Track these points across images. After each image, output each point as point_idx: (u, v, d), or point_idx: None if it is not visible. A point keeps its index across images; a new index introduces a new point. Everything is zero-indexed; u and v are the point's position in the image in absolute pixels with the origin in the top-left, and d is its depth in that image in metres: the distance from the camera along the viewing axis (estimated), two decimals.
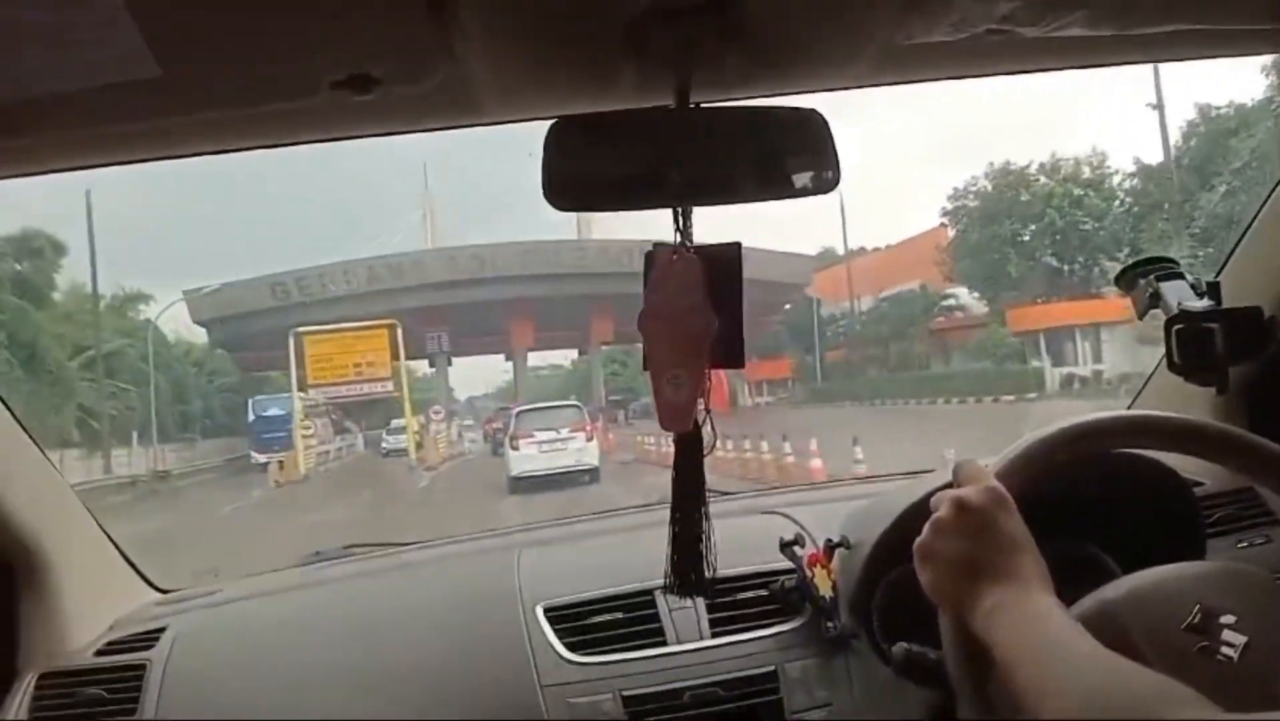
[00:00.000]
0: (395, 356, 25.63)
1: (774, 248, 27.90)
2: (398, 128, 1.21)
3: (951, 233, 28.97)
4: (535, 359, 39.63)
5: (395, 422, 26.48)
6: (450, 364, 33.53)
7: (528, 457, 16.02)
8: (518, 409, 19.22)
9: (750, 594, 1.52)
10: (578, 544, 1.90)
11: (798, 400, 32.40)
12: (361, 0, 0.86)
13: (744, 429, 15.79)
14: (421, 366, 34.40)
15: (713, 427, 1.08)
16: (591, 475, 15.89)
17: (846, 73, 1.14)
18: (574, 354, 39.96)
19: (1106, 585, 1.02)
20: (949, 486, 1.01)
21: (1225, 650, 0.90)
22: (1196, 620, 0.92)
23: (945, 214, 28.87)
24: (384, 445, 26.71)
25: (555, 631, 1.49)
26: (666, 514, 1.85)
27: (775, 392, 34.09)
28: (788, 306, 33.31)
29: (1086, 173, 25.84)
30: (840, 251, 34.79)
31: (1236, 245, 1.57)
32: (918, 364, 29.87)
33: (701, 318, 1.02)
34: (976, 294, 28.75)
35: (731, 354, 1.05)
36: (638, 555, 1.59)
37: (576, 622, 1.50)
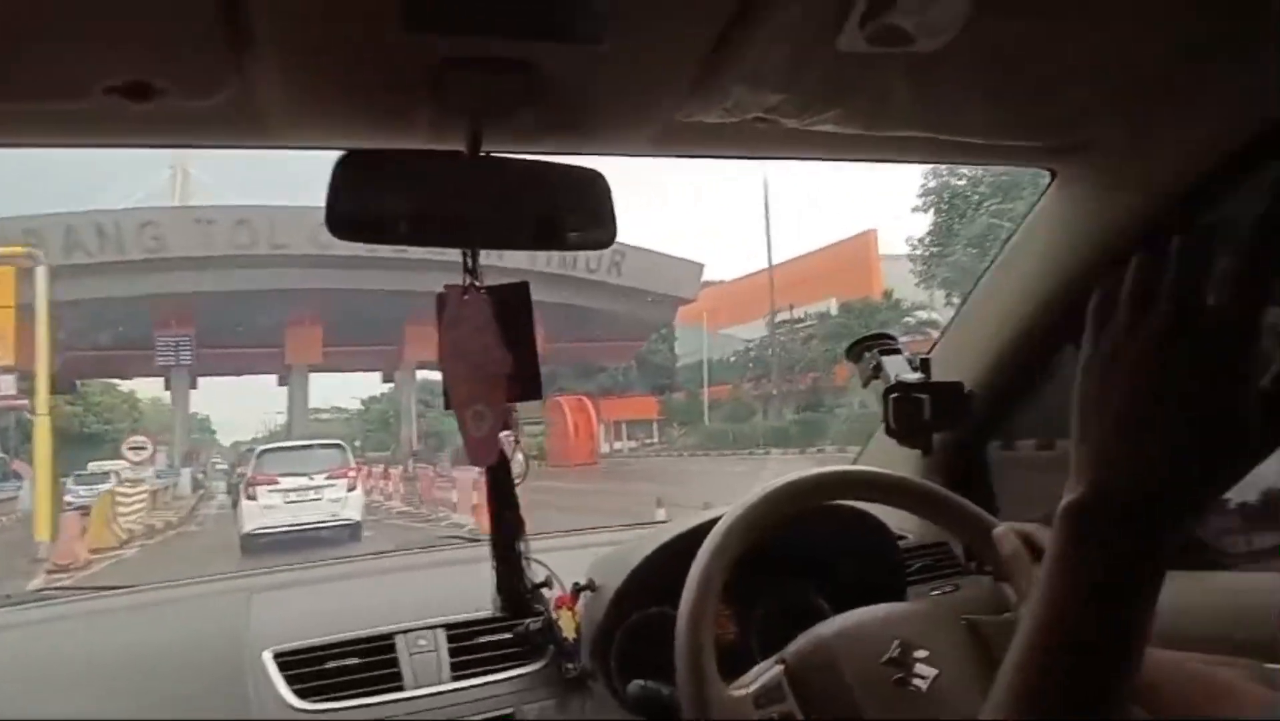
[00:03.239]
0: (18, 328, 13.46)
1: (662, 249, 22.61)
2: (174, 141, 1.14)
3: (928, 220, 21.68)
4: (320, 392, 29.35)
5: (94, 466, 17.53)
6: (195, 385, 24.16)
7: (267, 510, 12.96)
8: (261, 448, 15.63)
9: (495, 636, 1.52)
10: (319, 588, 1.81)
11: (681, 446, 26.31)
12: (148, 2, 0.82)
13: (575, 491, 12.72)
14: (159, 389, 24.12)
15: (525, 458, 1.15)
16: (352, 532, 13.28)
17: (631, 142, 1.21)
18: (367, 391, 32.06)
19: (823, 623, 1.14)
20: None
21: (917, 681, 1.04)
22: (895, 654, 1.06)
23: (924, 194, 21.60)
24: (67, 497, 16.71)
25: (285, 678, 1.41)
26: (411, 558, 1.82)
27: (638, 435, 28.17)
28: (650, 336, 27.00)
29: None
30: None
31: (948, 326, 1.80)
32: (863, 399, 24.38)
33: (496, 354, 1.05)
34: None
35: (529, 388, 1.10)
36: (381, 598, 1.55)
37: (309, 669, 1.43)
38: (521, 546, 1.21)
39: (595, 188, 1.13)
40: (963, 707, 1.03)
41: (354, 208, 1.04)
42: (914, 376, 1.58)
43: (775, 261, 26.40)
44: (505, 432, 1.11)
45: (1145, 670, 0.75)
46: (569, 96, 1.06)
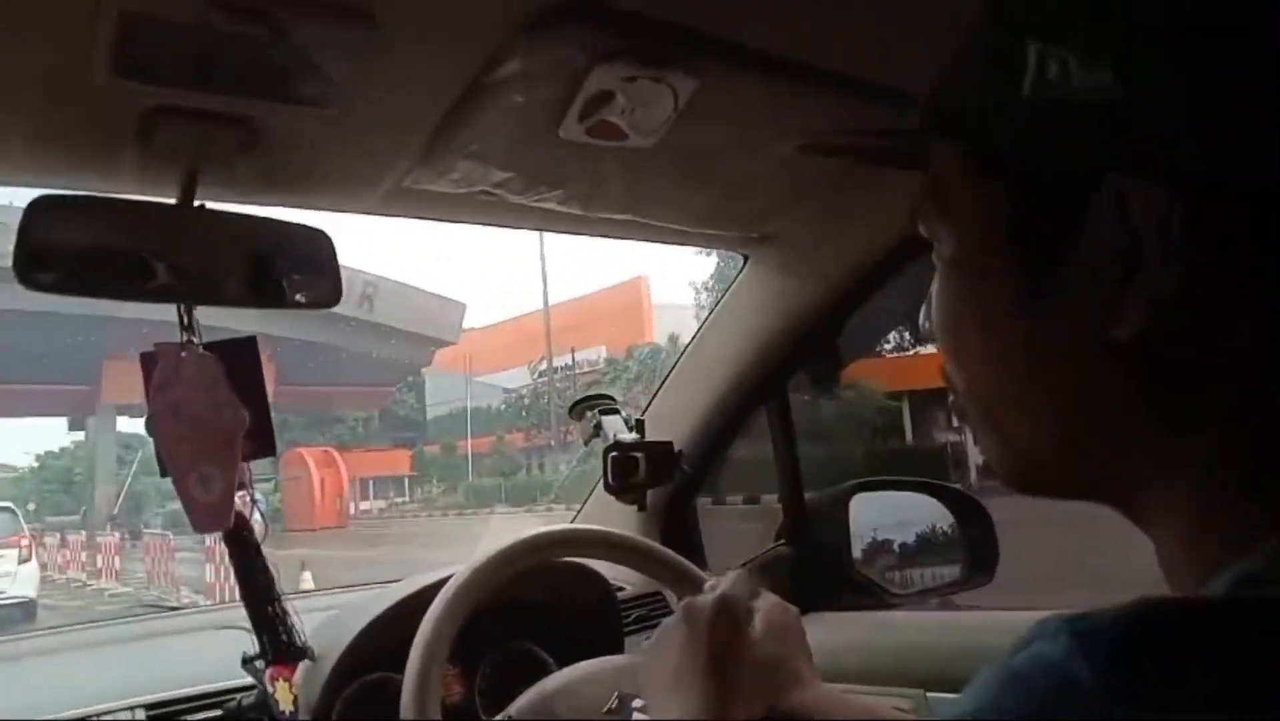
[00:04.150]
0: None
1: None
2: None
3: (711, 263, 18.96)
4: None
5: None
6: None
7: None
8: None
9: (203, 715, 1.41)
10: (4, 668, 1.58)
11: (444, 504, 24.01)
12: None
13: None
14: None
15: (262, 516, 1.11)
16: (25, 611, 11.55)
17: (358, 202, 1.21)
18: (44, 444, 28.11)
19: (546, 678, 1.19)
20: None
21: None
22: (614, 705, 1.12)
23: None
24: None
25: None
26: (102, 631, 1.65)
27: (387, 494, 25.47)
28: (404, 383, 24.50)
29: None
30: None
31: (659, 390, 1.93)
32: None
33: (230, 412, 1.01)
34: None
35: (261, 445, 1.07)
36: (70, 680, 1.39)
37: None
38: (284, 607, 1.20)
39: (319, 245, 1.12)
40: None
41: (48, 257, 0.96)
42: (630, 436, 1.68)
43: (537, 308, 25.28)
44: (241, 492, 1.07)
45: (821, 707, 0.87)
46: (292, 153, 1.05)
